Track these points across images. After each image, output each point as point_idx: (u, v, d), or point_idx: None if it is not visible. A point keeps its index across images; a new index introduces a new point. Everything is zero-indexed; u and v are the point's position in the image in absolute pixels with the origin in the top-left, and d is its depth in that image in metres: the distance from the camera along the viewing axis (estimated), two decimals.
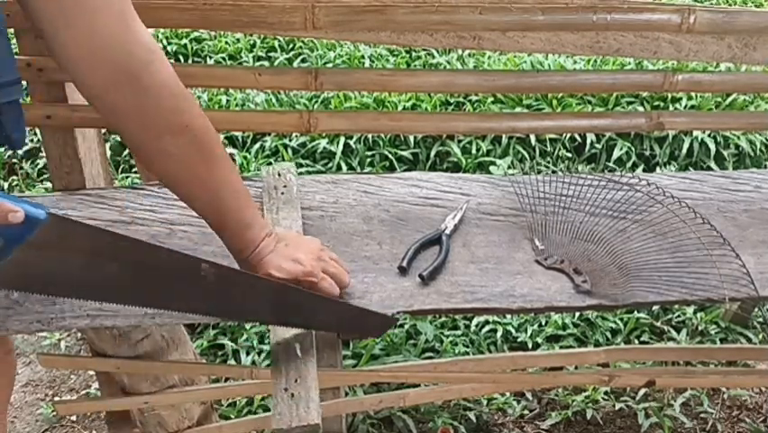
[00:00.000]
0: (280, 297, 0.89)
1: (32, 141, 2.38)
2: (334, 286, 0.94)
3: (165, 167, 0.84)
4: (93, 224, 1.07)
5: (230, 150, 2.24)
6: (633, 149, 2.33)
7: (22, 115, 0.85)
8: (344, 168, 2.23)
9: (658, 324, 1.88)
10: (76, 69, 0.77)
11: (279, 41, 2.75)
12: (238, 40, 2.76)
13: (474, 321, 1.84)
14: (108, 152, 2.04)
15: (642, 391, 1.73)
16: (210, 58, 2.69)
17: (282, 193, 1.15)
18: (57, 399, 1.71)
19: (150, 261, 0.78)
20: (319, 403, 0.85)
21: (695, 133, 2.35)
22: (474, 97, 2.45)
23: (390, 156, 2.27)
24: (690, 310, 1.92)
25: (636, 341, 1.83)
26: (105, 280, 0.77)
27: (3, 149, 2.37)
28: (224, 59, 2.68)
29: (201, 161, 0.83)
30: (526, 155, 2.30)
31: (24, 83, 1.03)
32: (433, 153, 2.30)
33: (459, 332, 1.82)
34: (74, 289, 0.77)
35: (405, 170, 2.24)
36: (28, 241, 0.67)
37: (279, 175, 1.19)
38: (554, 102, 2.41)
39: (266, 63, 2.67)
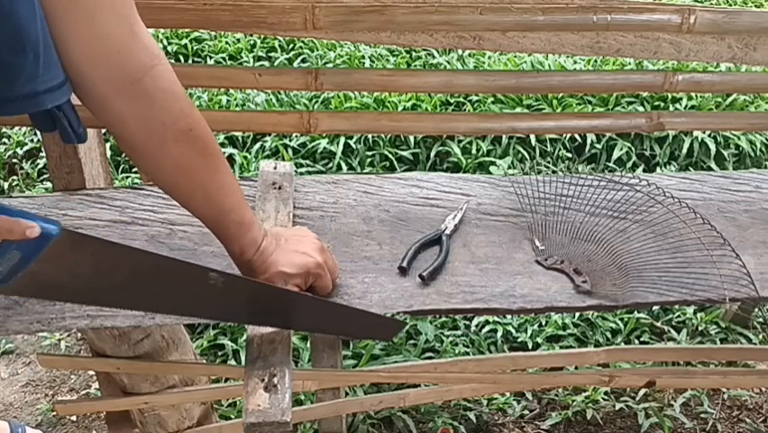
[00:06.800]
0: (287, 303, 0.89)
1: (31, 141, 2.38)
2: (329, 281, 0.95)
3: (168, 174, 0.82)
4: (93, 224, 1.08)
5: (230, 150, 2.24)
6: (633, 149, 2.33)
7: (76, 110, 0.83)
8: (344, 168, 2.23)
9: (658, 324, 1.88)
10: (80, 76, 0.74)
11: (280, 41, 2.75)
12: (238, 40, 2.76)
13: (474, 321, 1.84)
14: (108, 152, 2.03)
15: (642, 392, 1.73)
16: (210, 58, 2.69)
17: (279, 188, 1.15)
18: (57, 399, 1.71)
19: (158, 270, 0.80)
20: (291, 400, 0.84)
21: (695, 133, 2.35)
22: (474, 98, 2.45)
23: (390, 156, 2.27)
24: (690, 311, 1.92)
25: (636, 341, 1.83)
26: (114, 289, 0.79)
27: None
28: (224, 59, 2.68)
29: (203, 166, 0.82)
30: (526, 155, 2.30)
31: None
32: (433, 153, 2.30)
33: (459, 332, 1.82)
34: (84, 296, 0.80)
35: (405, 171, 2.24)
36: (43, 255, 0.69)
37: (276, 169, 1.19)
38: (555, 102, 2.41)
39: (266, 63, 2.67)
